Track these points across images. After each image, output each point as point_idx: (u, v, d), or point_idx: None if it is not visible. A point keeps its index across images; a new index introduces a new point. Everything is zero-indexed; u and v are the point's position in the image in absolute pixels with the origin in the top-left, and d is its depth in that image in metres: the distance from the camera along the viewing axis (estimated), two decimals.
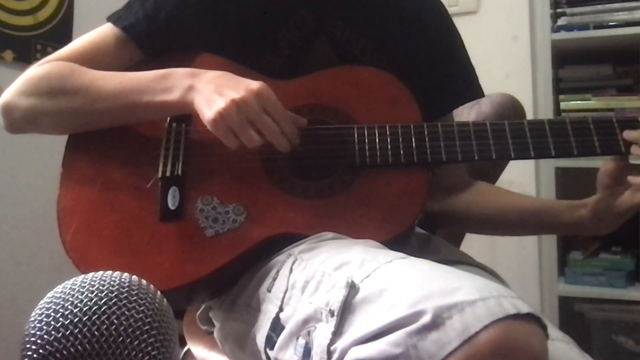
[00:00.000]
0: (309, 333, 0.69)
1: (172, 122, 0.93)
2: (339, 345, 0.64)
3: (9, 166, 1.95)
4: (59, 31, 2.10)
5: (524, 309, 0.58)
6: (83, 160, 0.93)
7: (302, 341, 0.69)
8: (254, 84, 0.84)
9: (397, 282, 0.65)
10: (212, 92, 0.84)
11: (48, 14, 2.08)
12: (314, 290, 0.72)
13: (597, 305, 1.86)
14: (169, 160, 0.90)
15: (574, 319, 1.86)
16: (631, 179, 0.87)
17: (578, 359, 0.80)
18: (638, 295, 1.76)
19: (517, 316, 0.57)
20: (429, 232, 1.09)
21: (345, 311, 0.66)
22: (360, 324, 0.64)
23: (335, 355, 0.64)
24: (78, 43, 1.00)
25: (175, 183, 0.88)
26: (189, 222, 0.86)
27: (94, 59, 0.97)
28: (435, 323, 0.57)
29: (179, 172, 0.89)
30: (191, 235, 0.85)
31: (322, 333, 0.67)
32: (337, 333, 0.65)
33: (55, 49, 1.01)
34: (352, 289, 0.66)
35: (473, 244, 1.32)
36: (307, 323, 0.70)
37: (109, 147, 0.93)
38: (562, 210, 0.98)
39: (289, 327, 0.72)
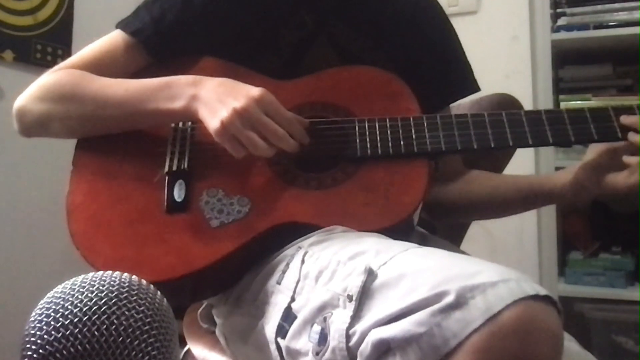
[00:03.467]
0: (324, 319, 0.69)
1: None
2: (359, 328, 0.64)
3: (10, 167, 1.95)
4: (59, 31, 2.10)
5: (542, 291, 0.59)
6: (92, 157, 0.96)
7: (317, 327, 0.69)
8: (254, 91, 0.86)
9: (416, 268, 0.65)
10: (215, 101, 0.86)
11: (48, 14, 2.08)
12: (328, 279, 0.72)
13: (597, 305, 1.86)
14: (176, 156, 0.92)
15: (574, 319, 1.86)
16: (627, 159, 0.87)
17: (579, 354, 0.81)
18: (638, 295, 1.76)
19: (536, 297, 0.58)
20: (429, 232, 1.10)
21: (363, 296, 0.66)
22: (380, 307, 0.64)
23: (355, 338, 0.64)
24: (88, 50, 1.03)
25: (182, 177, 0.91)
26: (195, 213, 0.88)
27: (104, 64, 1.00)
28: (459, 303, 0.58)
29: (185, 166, 0.91)
30: (197, 226, 0.87)
31: (340, 318, 0.67)
32: (355, 317, 0.65)
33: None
34: (370, 274, 0.67)
35: (473, 244, 1.32)
36: (322, 310, 0.70)
37: (117, 144, 0.96)
38: (544, 180, 1.01)
39: (302, 315, 0.73)
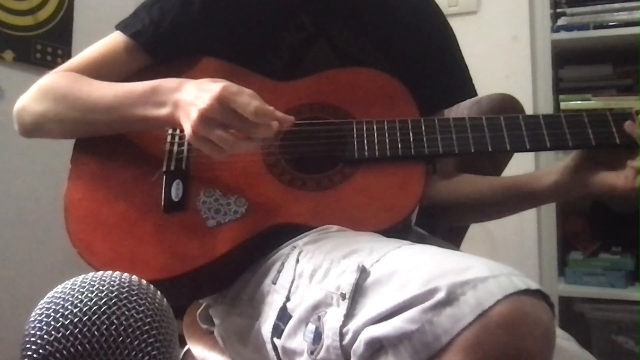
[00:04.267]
0: (319, 318, 0.69)
1: None
2: (352, 326, 0.64)
3: (10, 167, 1.95)
4: (59, 31, 2.10)
5: (534, 285, 0.59)
6: (90, 156, 0.96)
7: (311, 326, 0.70)
8: (215, 89, 0.80)
9: (408, 264, 0.66)
10: (189, 105, 0.82)
11: (48, 14, 2.08)
12: (322, 277, 0.72)
13: (597, 305, 1.86)
14: (174, 156, 0.93)
15: (574, 319, 1.86)
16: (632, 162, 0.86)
17: (578, 354, 0.81)
18: (638, 295, 1.76)
19: (527, 292, 0.58)
20: (429, 232, 1.10)
21: (356, 294, 0.66)
22: (373, 305, 0.64)
23: (348, 337, 0.64)
24: (89, 52, 1.03)
25: (179, 176, 0.91)
26: (192, 213, 0.88)
27: (104, 66, 1.00)
28: (450, 299, 0.58)
29: (183, 166, 0.91)
30: (193, 226, 0.87)
31: (333, 316, 0.67)
32: (349, 315, 0.65)
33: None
34: (363, 272, 0.67)
35: (473, 244, 1.32)
36: (316, 308, 0.70)
37: (116, 144, 0.96)
38: (532, 179, 1.00)
39: (297, 314, 0.73)
